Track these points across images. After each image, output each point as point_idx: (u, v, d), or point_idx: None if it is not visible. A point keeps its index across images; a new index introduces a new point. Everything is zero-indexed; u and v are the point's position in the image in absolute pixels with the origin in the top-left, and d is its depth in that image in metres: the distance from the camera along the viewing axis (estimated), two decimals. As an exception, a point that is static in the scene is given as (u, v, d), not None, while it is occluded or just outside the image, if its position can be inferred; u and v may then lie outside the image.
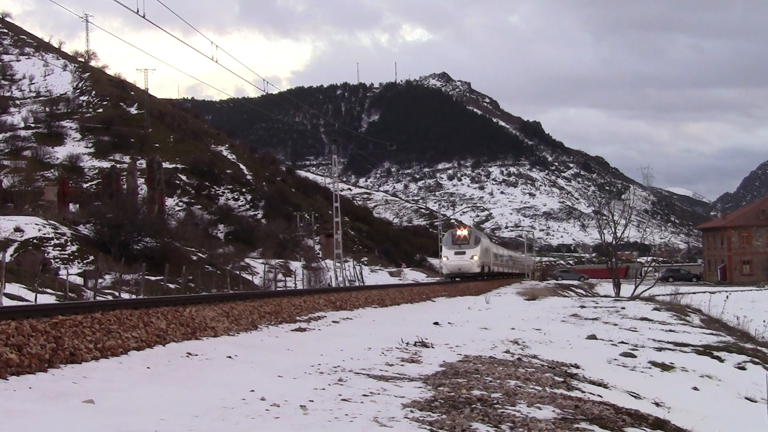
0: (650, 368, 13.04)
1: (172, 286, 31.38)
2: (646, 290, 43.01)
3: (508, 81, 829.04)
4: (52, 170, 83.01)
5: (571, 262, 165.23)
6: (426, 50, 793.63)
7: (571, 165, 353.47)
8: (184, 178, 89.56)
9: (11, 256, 35.55)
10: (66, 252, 39.32)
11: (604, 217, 51.63)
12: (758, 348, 19.00)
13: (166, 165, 76.97)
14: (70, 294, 25.55)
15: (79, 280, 32.11)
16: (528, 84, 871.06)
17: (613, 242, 47.18)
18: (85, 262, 38.26)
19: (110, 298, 25.90)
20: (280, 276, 46.54)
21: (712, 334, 20.50)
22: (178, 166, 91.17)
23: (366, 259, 79.87)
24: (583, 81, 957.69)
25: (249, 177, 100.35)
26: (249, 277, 46.47)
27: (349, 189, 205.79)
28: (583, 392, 9.39)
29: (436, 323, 17.58)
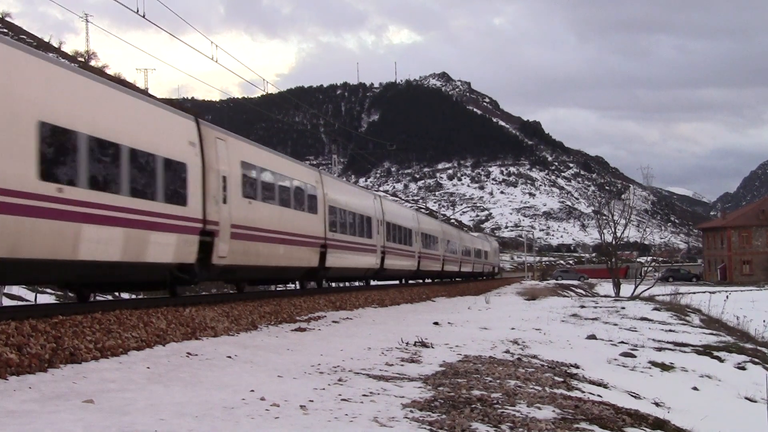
0: (650, 368, 13.05)
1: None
2: (646, 290, 43.01)
3: (498, 83, 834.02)
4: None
5: (571, 262, 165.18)
6: (414, 51, 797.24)
7: (571, 165, 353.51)
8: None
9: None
10: (66, 252, 39.27)
11: (604, 217, 51.60)
12: (758, 348, 19.02)
13: (166, 165, 76.89)
14: (70, 294, 25.57)
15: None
16: (518, 85, 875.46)
17: (613, 242, 47.17)
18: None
19: (110, 298, 25.90)
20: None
21: (712, 334, 20.51)
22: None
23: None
24: (572, 82, 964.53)
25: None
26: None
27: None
28: (583, 392, 9.39)
29: (436, 323, 17.59)
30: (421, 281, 41.19)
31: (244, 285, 21.31)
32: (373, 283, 33.57)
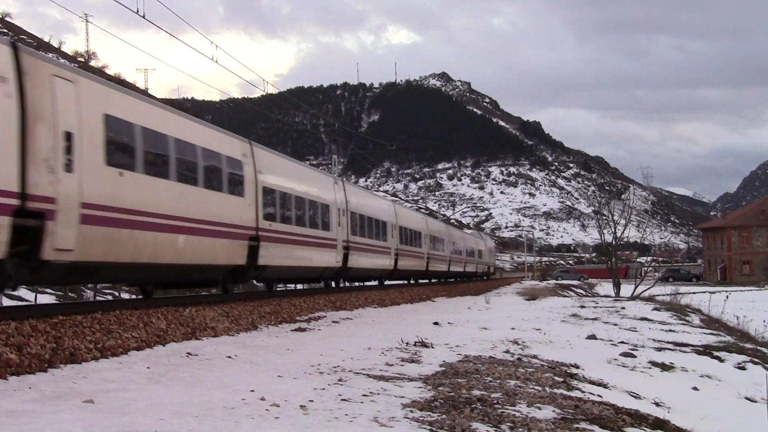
0: (650, 368, 13.06)
1: (172, 286, 31.35)
2: (646, 290, 43.02)
3: (498, 83, 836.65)
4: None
5: (571, 262, 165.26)
6: (413, 51, 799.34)
7: (571, 165, 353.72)
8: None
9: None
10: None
11: (604, 217, 51.62)
12: (758, 348, 19.03)
13: (166, 165, 76.80)
14: (70, 294, 25.58)
15: (79, 280, 32.02)
16: (518, 85, 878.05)
17: (613, 242, 47.19)
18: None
19: (110, 298, 25.92)
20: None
21: (712, 334, 20.52)
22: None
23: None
24: (572, 82, 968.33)
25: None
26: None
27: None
28: (583, 392, 9.40)
29: (436, 323, 17.59)
30: (405, 282, 38.10)
31: (152, 290, 16.36)
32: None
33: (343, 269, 24.37)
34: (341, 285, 27.56)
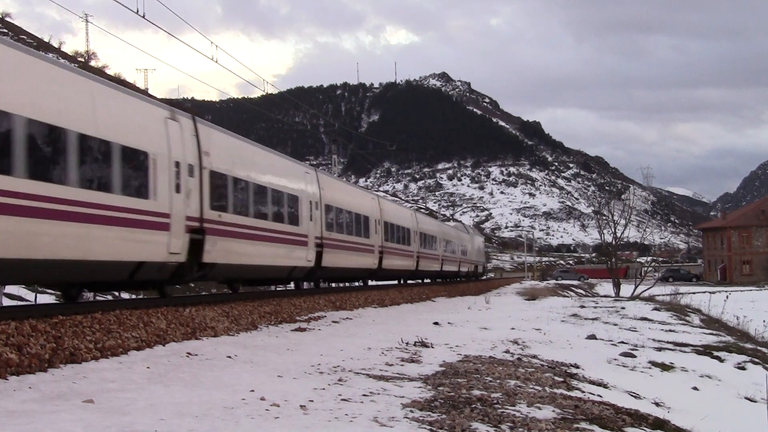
0: (650, 368, 13.06)
1: (172, 286, 31.31)
2: (646, 290, 43.02)
3: (497, 83, 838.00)
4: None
5: (571, 262, 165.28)
6: (412, 52, 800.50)
7: (571, 165, 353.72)
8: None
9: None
10: (66, 252, 39.08)
11: (604, 217, 51.63)
12: (758, 348, 19.02)
13: (166, 165, 76.77)
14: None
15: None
16: (517, 85, 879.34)
17: (613, 242, 47.19)
18: (85, 262, 38.02)
19: (110, 298, 25.92)
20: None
21: (712, 334, 20.51)
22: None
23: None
24: (571, 82, 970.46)
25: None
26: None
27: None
28: (583, 392, 9.40)
29: (436, 323, 17.59)
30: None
31: None
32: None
33: (191, 266, 14.59)
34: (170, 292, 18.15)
